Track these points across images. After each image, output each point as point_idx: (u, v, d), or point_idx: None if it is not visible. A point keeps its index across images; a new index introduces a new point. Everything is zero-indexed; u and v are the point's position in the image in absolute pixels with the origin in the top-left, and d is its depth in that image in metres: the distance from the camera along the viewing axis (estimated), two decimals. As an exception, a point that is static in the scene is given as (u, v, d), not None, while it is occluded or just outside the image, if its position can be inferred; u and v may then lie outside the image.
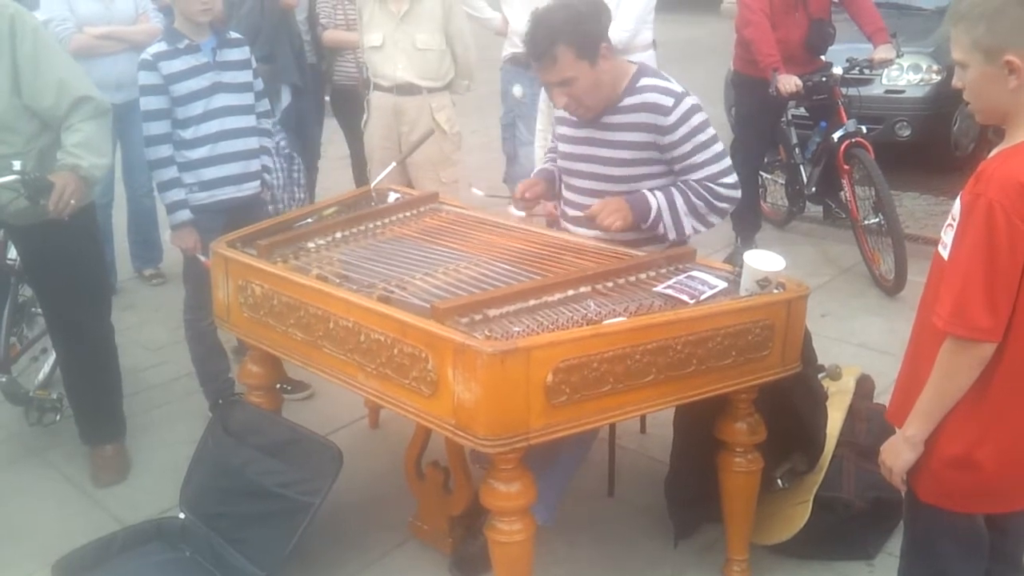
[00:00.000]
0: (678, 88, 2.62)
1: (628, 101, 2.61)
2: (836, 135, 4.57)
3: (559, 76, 2.53)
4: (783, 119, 4.95)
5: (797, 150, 4.95)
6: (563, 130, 2.78)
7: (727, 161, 2.64)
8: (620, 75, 2.63)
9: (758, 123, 4.85)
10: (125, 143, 4.46)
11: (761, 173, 5.21)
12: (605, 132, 2.65)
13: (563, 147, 2.79)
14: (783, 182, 5.28)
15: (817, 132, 4.81)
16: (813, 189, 4.86)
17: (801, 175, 4.93)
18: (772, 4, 4.43)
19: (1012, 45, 1.62)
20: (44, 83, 2.73)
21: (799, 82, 4.33)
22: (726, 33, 5.81)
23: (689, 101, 2.59)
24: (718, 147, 2.63)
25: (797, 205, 5.19)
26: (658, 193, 2.60)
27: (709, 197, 2.61)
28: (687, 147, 2.59)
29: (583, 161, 2.71)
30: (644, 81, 2.62)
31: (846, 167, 4.55)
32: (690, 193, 2.60)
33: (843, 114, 4.58)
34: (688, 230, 2.62)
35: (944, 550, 1.87)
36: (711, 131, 2.62)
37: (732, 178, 2.64)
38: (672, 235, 2.62)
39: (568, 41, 2.47)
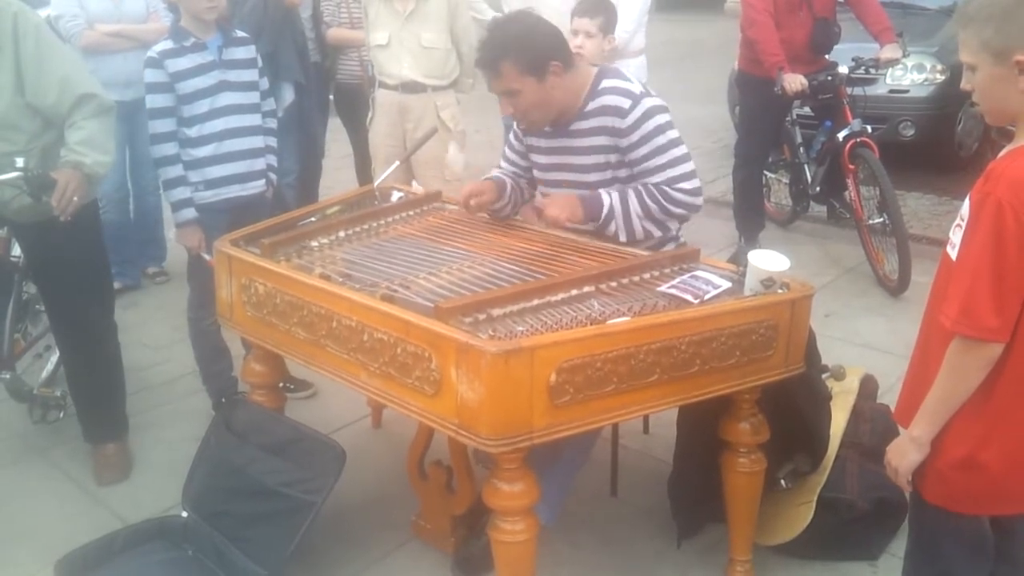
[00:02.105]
0: (637, 89, 2.58)
1: (591, 106, 2.59)
2: (841, 134, 4.56)
3: (502, 87, 2.54)
4: (788, 118, 4.94)
5: (802, 149, 4.94)
6: (536, 142, 2.75)
7: (688, 166, 2.57)
8: (579, 86, 2.60)
9: (762, 122, 4.85)
10: (134, 140, 4.47)
11: (765, 172, 5.21)
12: (573, 139, 2.64)
13: (537, 158, 2.77)
14: (787, 181, 5.27)
15: (822, 131, 4.81)
16: (817, 189, 4.86)
17: (805, 174, 4.93)
18: (776, 4, 4.42)
19: (1022, 45, 1.61)
20: (47, 81, 2.73)
21: (804, 81, 4.33)
22: (730, 32, 5.82)
23: (648, 102, 2.55)
24: (678, 151, 2.56)
25: (801, 205, 5.18)
26: (613, 192, 2.57)
27: (663, 201, 2.53)
28: (644, 149, 2.55)
29: (557, 170, 2.70)
30: (604, 83, 2.60)
31: (851, 166, 4.55)
32: (645, 195, 2.54)
33: (848, 113, 4.57)
34: (640, 233, 2.56)
35: (949, 551, 1.86)
36: (672, 133, 2.56)
37: (691, 183, 2.55)
38: (623, 237, 2.56)
39: (514, 57, 2.47)
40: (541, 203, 2.60)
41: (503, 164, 2.94)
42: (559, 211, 2.56)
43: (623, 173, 2.62)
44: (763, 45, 4.41)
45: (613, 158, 2.61)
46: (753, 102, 4.83)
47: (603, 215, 2.55)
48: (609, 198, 2.56)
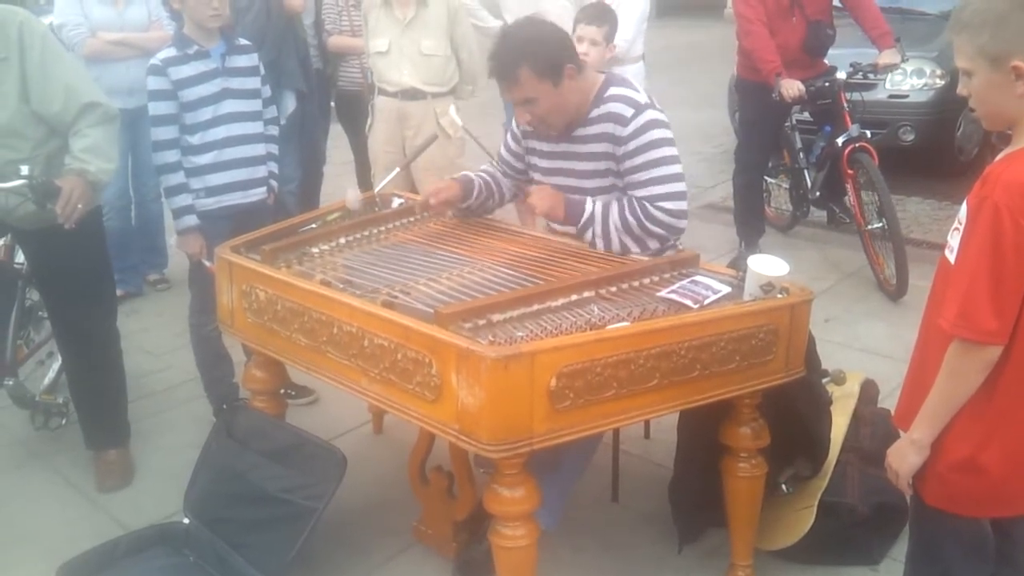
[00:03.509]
0: (642, 99, 2.56)
1: (595, 112, 2.59)
2: (840, 140, 4.58)
3: (520, 96, 2.52)
4: (787, 124, 4.95)
5: (801, 154, 4.96)
6: (539, 145, 2.75)
7: (675, 186, 2.52)
8: (588, 89, 2.60)
9: (762, 128, 4.86)
10: (136, 148, 4.49)
11: (765, 178, 5.22)
12: (576, 145, 2.64)
13: (538, 161, 2.77)
14: (787, 186, 5.29)
15: (821, 137, 4.82)
16: (817, 194, 4.87)
17: (805, 180, 4.94)
18: (768, 11, 4.44)
19: (1018, 50, 1.62)
20: (52, 89, 2.74)
21: (801, 87, 4.34)
22: (728, 37, 5.82)
23: (650, 114, 2.53)
24: (669, 169, 2.52)
25: (801, 210, 5.19)
26: (598, 201, 2.57)
27: (642, 217, 2.49)
28: (637, 160, 2.52)
29: (559, 175, 2.70)
30: (610, 91, 2.60)
31: (850, 172, 4.56)
32: (627, 208, 2.52)
33: (847, 119, 4.58)
34: (617, 245, 2.53)
35: (949, 554, 1.86)
36: (668, 151, 2.53)
37: (675, 204, 2.50)
38: (600, 245, 2.55)
39: (531, 62, 2.46)
40: (529, 189, 2.62)
41: (501, 153, 2.93)
42: (540, 201, 2.59)
43: (621, 182, 2.62)
44: (759, 53, 4.43)
45: (613, 165, 2.61)
46: (752, 108, 4.85)
47: (582, 220, 2.56)
48: (592, 205, 2.56)
